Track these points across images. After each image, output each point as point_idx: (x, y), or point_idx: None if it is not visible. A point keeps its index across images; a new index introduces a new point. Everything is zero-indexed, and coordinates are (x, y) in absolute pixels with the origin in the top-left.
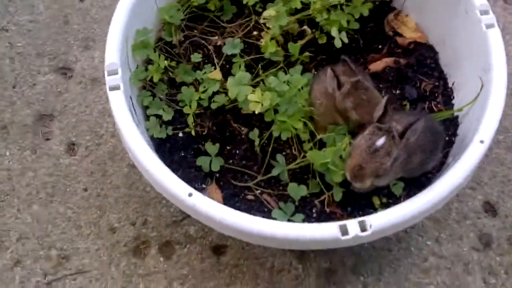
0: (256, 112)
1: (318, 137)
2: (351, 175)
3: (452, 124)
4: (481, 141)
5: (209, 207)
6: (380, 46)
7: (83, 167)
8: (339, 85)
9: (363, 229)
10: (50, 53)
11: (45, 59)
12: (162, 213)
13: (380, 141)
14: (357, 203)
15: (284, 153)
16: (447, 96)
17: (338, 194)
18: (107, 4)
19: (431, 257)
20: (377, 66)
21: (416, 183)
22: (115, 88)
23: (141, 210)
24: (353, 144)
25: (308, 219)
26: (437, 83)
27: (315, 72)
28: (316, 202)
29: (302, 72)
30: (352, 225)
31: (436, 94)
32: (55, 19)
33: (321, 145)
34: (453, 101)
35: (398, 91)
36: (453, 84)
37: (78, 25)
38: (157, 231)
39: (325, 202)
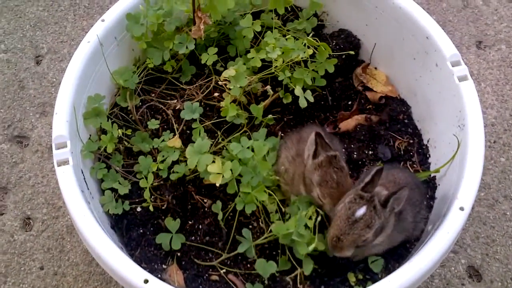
0: (217, 185)
1: (284, 208)
2: (330, 246)
3: (429, 186)
4: (461, 208)
5: None
6: (350, 102)
7: (39, 243)
8: (315, 154)
9: None
10: (5, 121)
11: None
12: None
13: (360, 212)
14: (332, 280)
15: (250, 226)
16: (423, 154)
17: (308, 267)
18: (65, 66)
19: None
20: (347, 124)
21: (394, 255)
22: (63, 163)
23: None
24: (335, 211)
25: None
26: (411, 141)
27: (282, 135)
28: (287, 278)
29: (267, 136)
30: None
31: (411, 153)
32: (10, 84)
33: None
34: (429, 160)
35: (370, 152)
36: (428, 141)
37: (34, 90)
38: None
39: (297, 280)
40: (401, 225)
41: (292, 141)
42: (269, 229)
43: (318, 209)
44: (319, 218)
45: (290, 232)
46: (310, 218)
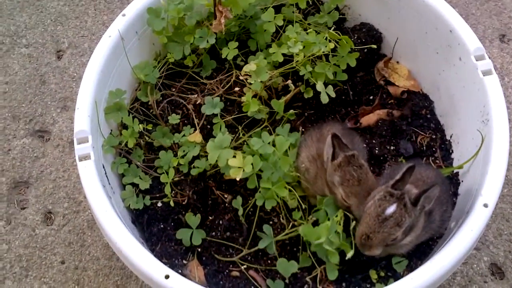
0: (237, 179)
1: (304, 205)
2: (359, 244)
3: (453, 182)
4: (485, 205)
5: None
6: (371, 97)
7: (61, 237)
8: (334, 156)
9: None
10: (26, 116)
11: (20, 122)
12: (144, 286)
13: (390, 210)
14: (353, 278)
15: (271, 222)
16: (446, 150)
17: (333, 273)
18: (85, 61)
19: None
20: (369, 119)
21: (417, 253)
22: (85, 157)
23: (122, 283)
24: (365, 209)
25: None
26: (434, 136)
27: (303, 130)
28: (308, 278)
29: (289, 131)
30: None
31: (434, 149)
32: (32, 79)
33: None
34: (452, 156)
35: (392, 147)
36: (451, 136)
37: (55, 85)
38: None
39: (318, 279)
40: (430, 225)
41: (312, 139)
42: (290, 225)
43: (347, 213)
44: (353, 223)
45: (321, 242)
46: (339, 224)
